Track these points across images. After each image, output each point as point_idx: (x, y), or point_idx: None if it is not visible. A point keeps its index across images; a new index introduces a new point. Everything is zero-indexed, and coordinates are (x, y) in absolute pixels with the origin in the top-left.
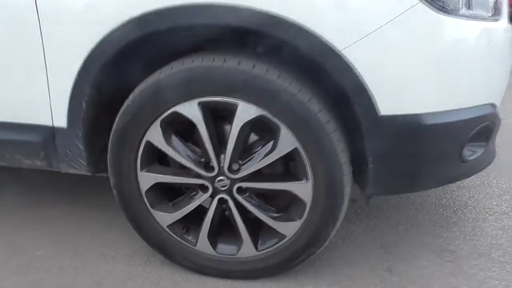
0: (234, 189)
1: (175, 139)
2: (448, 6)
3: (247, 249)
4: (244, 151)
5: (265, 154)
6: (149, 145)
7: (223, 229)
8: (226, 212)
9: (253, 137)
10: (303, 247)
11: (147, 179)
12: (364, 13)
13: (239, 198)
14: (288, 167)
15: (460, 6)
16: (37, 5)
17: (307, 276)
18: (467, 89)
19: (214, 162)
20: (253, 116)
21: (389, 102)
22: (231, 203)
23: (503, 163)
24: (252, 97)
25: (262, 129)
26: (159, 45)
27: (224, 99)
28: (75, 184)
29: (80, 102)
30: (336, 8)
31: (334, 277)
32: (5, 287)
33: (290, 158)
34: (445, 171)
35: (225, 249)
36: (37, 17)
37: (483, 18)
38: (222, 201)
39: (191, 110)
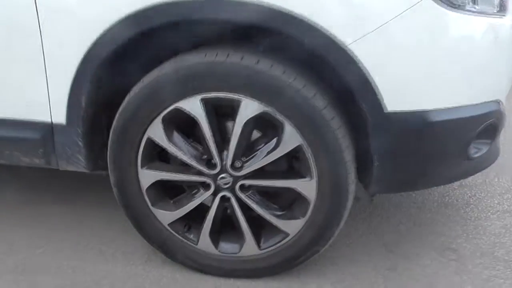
0: (237, 186)
1: (176, 136)
2: (455, 1)
3: (249, 247)
4: (247, 148)
5: (269, 151)
6: (150, 142)
7: (225, 227)
8: (228, 210)
9: (255, 134)
10: (306, 246)
11: (148, 176)
12: (370, 7)
13: (242, 196)
14: (291, 164)
15: (467, 1)
16: (36, 2)
17: (311, 275)
18: (473, 86)
19: (216, 159)
20: (256, 113)
21: (395, 98)
22: (233, 201)
23: (504, 162)
24: (255, 93)
25: (265, 125)
26: (159, 42)
27: (227, 95)
28: (74, 181)
29: (80, 98)
30: (342, 2)
31: (337, 275)
32: (2, 287)
33: (294, 155)
34: (450, 169)
35: (227, 247)
36: (36, 14)
37: (489, 14)
38: (224, 199)
39: (193, 106)
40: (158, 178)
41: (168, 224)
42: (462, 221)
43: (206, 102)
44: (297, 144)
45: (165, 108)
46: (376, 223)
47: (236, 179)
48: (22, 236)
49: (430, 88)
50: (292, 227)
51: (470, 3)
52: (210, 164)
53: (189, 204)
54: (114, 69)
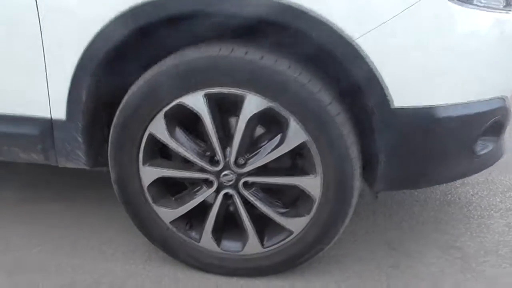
0: (240, 184)
1: (179, 132)
2: None
3: (252, 245)
4: (250, 144)
5: (273, 148)
6: (152, 138)
7: (227, 225)
8: (231, 208)
9: (259, 130)
10: (311, 244)
11: (149, 173)
12: (378, 1)
13: (245, 193)
14: (295, 161)
15: None
16: None
17: (315, 273)
18: (480, 81)
19: (219, 156)
20: (261, 108)
21: (402, 94)
22: (237, 198)
23: (507, 160)
24: (260, 88)
25: (269, 122)
26: (159, 39)
27: (231, 90)
28: (73, 178)
29: (80, 93)
30: None
31: (342, 274)
32: None
33: (297, 152)
34: (457, 166)
35: (229, 245)
36: (36, 9)
37: (495, 9)
38: (227, 196)
39: (196, 102)
40: (160, 175)
41: (170, 222)
42: (465, 219)
43: (209, 98)
44: (302, 141)
45: (168, 104)
46: (379, 220)
47: (239, 176)
48: (20, 234)
49: (437, 83)
50: (296, 224)
51: None
52: (213, 160)
53: (191, 202)
54: (115, 64)
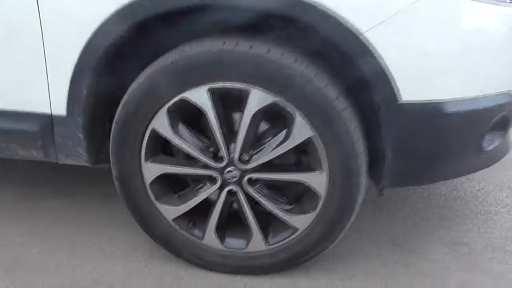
0: (245, 180)
1: (182, 128)
2: None
3: (256, 243)
4: (255, 140)
5: (278, 143)
6: (155, 134)
7: (230, 222)
8: (234, 205)
9: (263, 126)
10: (316, 241)
11: (152, 170)
12: None
13: (250, 190)
14: (300, 157)
15: None
16: None
17: (320, 271)
18: (488, 76)
19: (223, 152)
20: (266, 103)
21: (410, 88)
22: (241, 195)
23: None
24: (265, 83)
25: (274, 117)
26: (161, 35)
27: (236, 85)
28: (73, 175)
29: (81, 88)
30: None
31: (347, 272)
32: None
33: (302, 148)
34: (464, 162)
35: (233, 243)
36: (36, 4)
37: (504, 2)
38: (231, 193)
39: (200, 97)
40: (163, 172)
41: (173, 220)
42: (472, 215)
43: (213, 93)
44: (308, 136)
45: (171, 99)
46: (384, 217)
47: (243, 172)
48: (19, 232)
49: (445, 77)
50: (301, 221)
51: None
52: (216, 157)
53: (194, 199)
54: (116, 62)
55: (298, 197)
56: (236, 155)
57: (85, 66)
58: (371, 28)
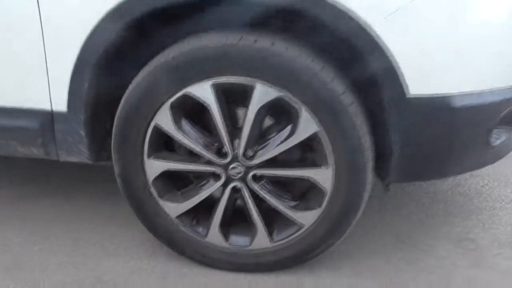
0: (249, 176)
1: (185, 124)
2: None
3: (261, 240)
4: (259, 136)
5: (283, 139)
6: (157, 130)
7: (234, 219)
8: (238, 201)
9: (267, 122)
10: (321, 238)
11: (154, 166)
12: None
13: (254, 186)
14: (305, 153)
15: None
16: None
17: (325, 268)
18: (497, 70)
19: (227, 148)
20: (271, 98)
21: (418, 82)
22: (245, 192)
23: None
24: (270, 77)
25: (278, 112)
26: (161, 36)
27: (240, 79)
28: (73, 172)
29: (82, 83)
30: None
31: (352, 269)
32: None
33: (307, 143)
34: (471, 157)
35: (237, 240)
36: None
37: None
38: (235, 189)
39: (203, 92)
40: (166, 169)
41: (176, 217)
42: (477, 211)
43: (217, 88)
44: (314, 131)
45: (174, 94)
46: (389, 214)
47: (248, 168)
48: (19, 231)
49: (453, 71)
50: (306, 218)
51: None
52: (220, 153)
53: (198, 196)
54: (118, 55)
55: (303, 193)
56: (241, 151)
57: (86, 62)
58: (379, 21)
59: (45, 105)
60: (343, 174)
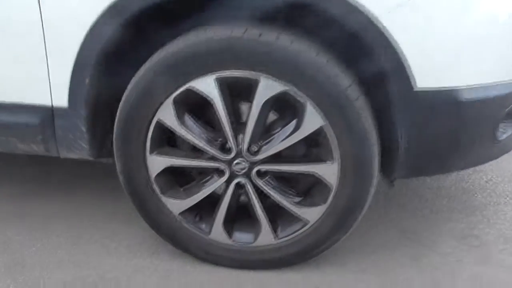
0: (253, 172)
1: (188, 119)
2: None
3: (265, 237)
4: (264, 131)
5: (288, 133)
6: (160, 125)
7: (238, 216)
8: (242, 197)
9: (271, 116)
10: (327, 234)
11: (157, 162)
12: None
13: (259, 182)
14: (310, 148)
15: None
16: None
17: (331, 265)
18: (503, 63)
19: (231, 143)
20: (276, 92)
21: (426, 74)
22: (249, 188)
23: None
24: (275, 71)
25: (283, 106)
26: (161, 36)
27: (244, 73)
28: (73, 168)
29: (83, 78)
30: None
31: (359, 265)
32: None
33: (313, 138)
34: (477, 151)
35: (241, 237)
36: None
37: None
38: (239, 185)
39: (207, 86)
40: (168, 165)
41: (179, 214)
42: (481, 207)
43: (221, 82)
44: (319, 126)
45: (177, 89)
46: (393, 209)
47: (252, 164)
48: (19, 229)
49: (460, 64)
50: (311, 214)
51: None
52: (224, 148)
53: (201, 192)
54: (119, 50)
55: (308, 189)
56: (245, 146)
57: (87, 57)
58: (386, 13)
59: (45, 101)
60: (349, 169)
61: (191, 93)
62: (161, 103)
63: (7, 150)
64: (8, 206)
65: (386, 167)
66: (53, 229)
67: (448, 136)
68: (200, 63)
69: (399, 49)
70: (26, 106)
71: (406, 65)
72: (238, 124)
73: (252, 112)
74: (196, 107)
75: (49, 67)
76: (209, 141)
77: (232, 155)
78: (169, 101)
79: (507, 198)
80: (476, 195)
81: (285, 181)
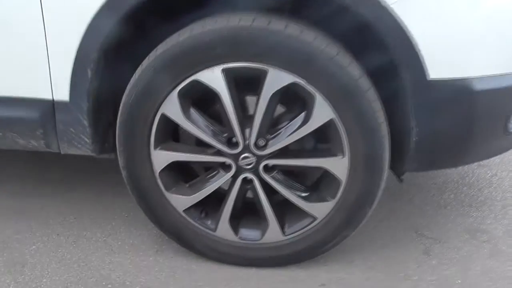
0: (261, 167)
1: (193, 112)
2: None
3: (273, 233)
4: (271, 124)
5: (297, 127)
6: (165, 119)
7: (244, 212)
8: (249, 193)
9: (279, 109)
10: (335, 230)
11: (161, 157)
12: None
13: (266, 177)
14: (319, 141)
15: None
16: None
17: (339, 262)
18: None
19: (238, 138)
20: (284, 84)
21: (440, 64)
22: (256, 183)
23: None
24: (283, 62)
25: (291, 99)
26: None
27: (252, 64)
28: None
29: (85, 70)
30: None
31: (367, 262)
32: None
33: (322, 131)
34: (488, 143)
35: (248, 234)
36: None
37: None
38: (245, 181)
39: (213, 78)
40: (173, 160)
41: (183, 210)
42: (488, 201)
43: (227, 73)
44: (329, 118)
45: (182, 81)
46: (400, 204)
47: (259, 158)
48: (18, 229)
49: (473, 54)
50: (320, 210)
51: None
52: (231, 142)
53: (207, 188)
54: (127, 33)
55: (316, 184)
56: (252, 140)
57: (89, 45)
58: (401, 3)
59: (45, 94)
60: (359, 163)
61: (197, 85)
62: (166, 97)
63: (6, 146)
64: (8, 205)
65: (396, 160)
66: (53, 228)
67: (460, 127)
68: (206, 54)
69: (412, 39)
70: (25, 100)
71: (419, 55)
72: (245, 118)
73: (260, 104)
74: (201, 100)
75: (49, 59)
76: (215, 135)
77: (239, 149)
78: (174, 94)
79: None
80: (482, 190)
81: (292, 176)
